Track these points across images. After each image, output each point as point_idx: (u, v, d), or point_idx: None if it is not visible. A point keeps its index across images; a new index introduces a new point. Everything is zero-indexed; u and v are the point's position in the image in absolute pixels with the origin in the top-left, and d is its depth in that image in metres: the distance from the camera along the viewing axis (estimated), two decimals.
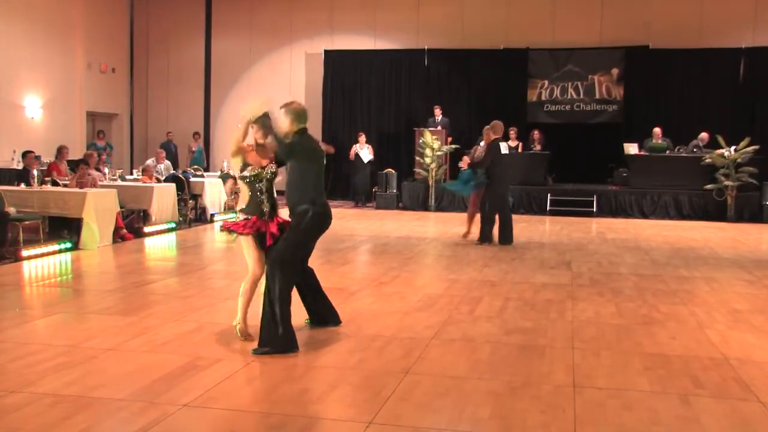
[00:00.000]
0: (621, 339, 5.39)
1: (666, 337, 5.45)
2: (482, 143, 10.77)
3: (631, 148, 15.28)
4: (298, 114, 4.97)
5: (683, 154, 15.20)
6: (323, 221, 4.98)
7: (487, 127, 10.60)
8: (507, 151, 10.84)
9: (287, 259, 4.85)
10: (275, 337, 4.78)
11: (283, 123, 4.96)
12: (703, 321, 6.02)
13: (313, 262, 5.60)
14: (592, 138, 17.00)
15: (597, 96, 17.28)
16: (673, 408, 4.00)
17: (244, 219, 5.03)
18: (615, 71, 17.12)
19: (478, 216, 10.69)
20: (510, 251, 9.86)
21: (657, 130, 15.44)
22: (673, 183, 14.99)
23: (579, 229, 12.71)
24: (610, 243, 11.01)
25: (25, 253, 8.49)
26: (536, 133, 16.38)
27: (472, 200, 11.00)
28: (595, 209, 15.04)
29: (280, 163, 5.12)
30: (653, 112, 16.48)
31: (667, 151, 15.26)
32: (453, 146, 15.65)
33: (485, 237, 10.44)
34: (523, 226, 12.82)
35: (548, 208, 15.24)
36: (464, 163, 11.12)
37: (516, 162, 15.56)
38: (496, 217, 10.47)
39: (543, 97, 17.54)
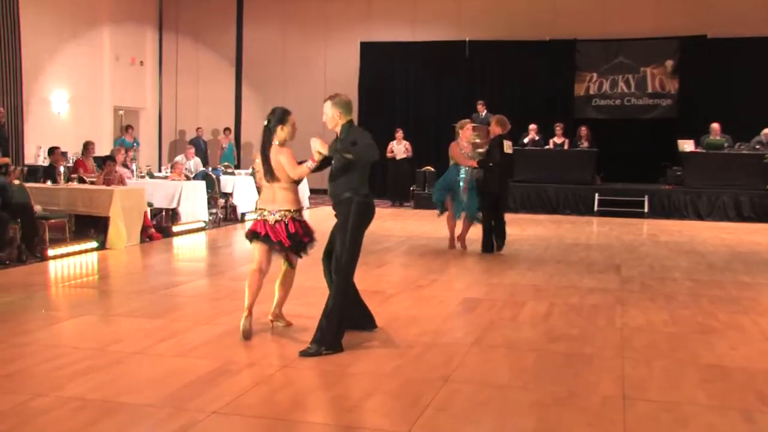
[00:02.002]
0: (675, 348, 5.16)
1: (726, 348, 5.21)
2: (461, 140, 9.76)
3: (686, 145, 14.79)
4: (345, 106, 5.09)
5: (744, 152, 14.61)
6: (367, 211, 5.05)
7: (465, 120, 9.92)
8: (511, 151, 9.87)
9: (349, 261, 4.95)
10: (328, 338, 4.86)
11: (330, 115, 5.05)
12: None
13: None
14: (643, 134, 16.65)
15: (649, 90, 16.94)
16: (734, 425, 3.78)
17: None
18: (669, 63, 16.73)
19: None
20: (552, 253, 9.52)
21: (715, 125, 14.86)
22: (732, 182, 14.43)
23: (629, 231, 12.35)
24: (662, 246, 10.65)
25: (51, 252, 8.44)
26: (583, 129, 15.87)
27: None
28: (646, 210, 14.67)
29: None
30: (711, 107, 15.79)
31: (726, 148, 14.64)
32: None
33: (487, 246, 9.53)
34: (569, 228, 12.68)
35: (596, 209, 14.86)
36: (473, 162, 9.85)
37: (562, 160, 15.57)
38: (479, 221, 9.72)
39: (591, 91, 17.28)
